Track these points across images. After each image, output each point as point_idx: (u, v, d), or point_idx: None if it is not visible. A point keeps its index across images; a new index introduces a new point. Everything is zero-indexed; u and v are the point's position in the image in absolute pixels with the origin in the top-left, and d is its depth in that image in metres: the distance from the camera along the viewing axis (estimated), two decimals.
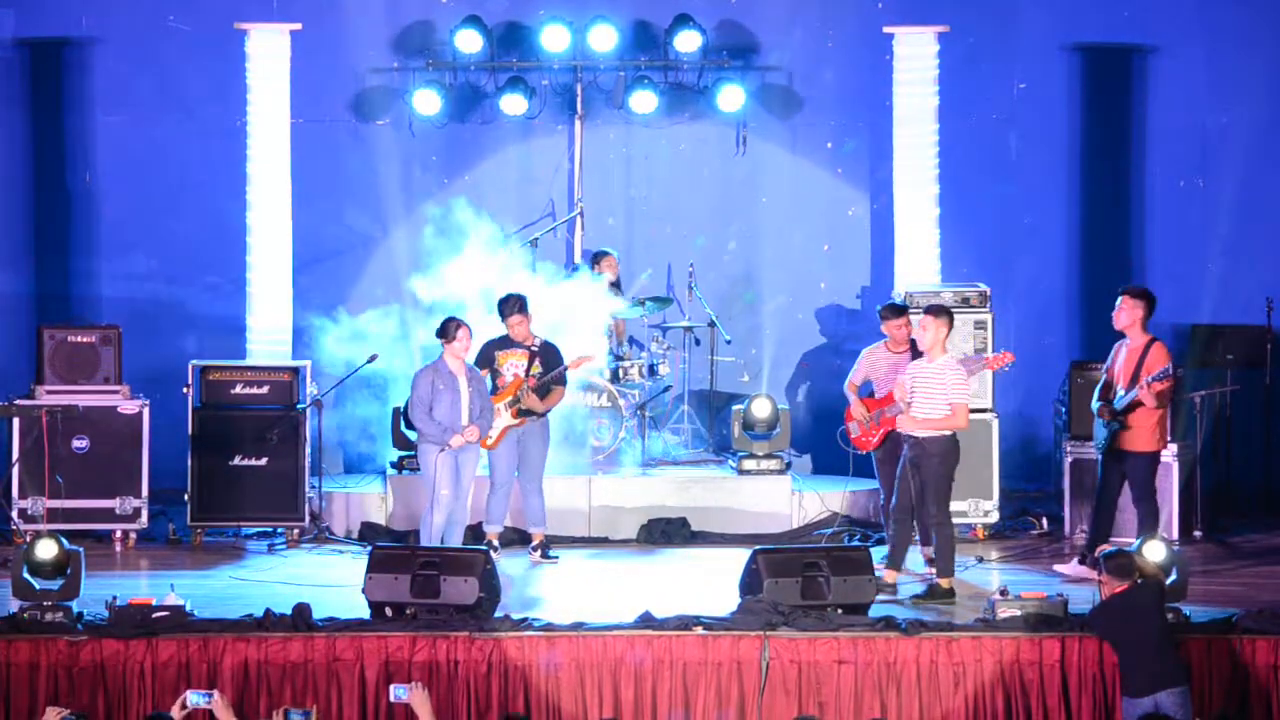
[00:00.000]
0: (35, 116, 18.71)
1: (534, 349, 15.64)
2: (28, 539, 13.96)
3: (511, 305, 15.59)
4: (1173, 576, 13.01)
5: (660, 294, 18.36)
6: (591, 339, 16.62)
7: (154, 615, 12.84)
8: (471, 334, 15.12)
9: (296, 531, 16.38)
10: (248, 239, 17.83)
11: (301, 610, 12.99)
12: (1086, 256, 19.02)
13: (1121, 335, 14.78)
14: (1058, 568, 15.11)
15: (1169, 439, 15.38)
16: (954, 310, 15.23)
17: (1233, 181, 18.92)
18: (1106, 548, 12.85)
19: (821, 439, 17.71)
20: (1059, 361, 17.66)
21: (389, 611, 13.15)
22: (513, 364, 15.60)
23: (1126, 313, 14.73)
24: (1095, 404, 14.85)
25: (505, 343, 15.64)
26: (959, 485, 14.58)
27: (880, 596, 13.62)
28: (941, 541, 14.29)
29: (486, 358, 15.53)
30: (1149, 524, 14.50)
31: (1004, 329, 17.55)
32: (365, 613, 13.19)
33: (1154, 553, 13.00)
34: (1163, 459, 15.26)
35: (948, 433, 14.20)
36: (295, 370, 16.63)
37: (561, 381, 15.68)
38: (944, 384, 14.21)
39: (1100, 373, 15.04)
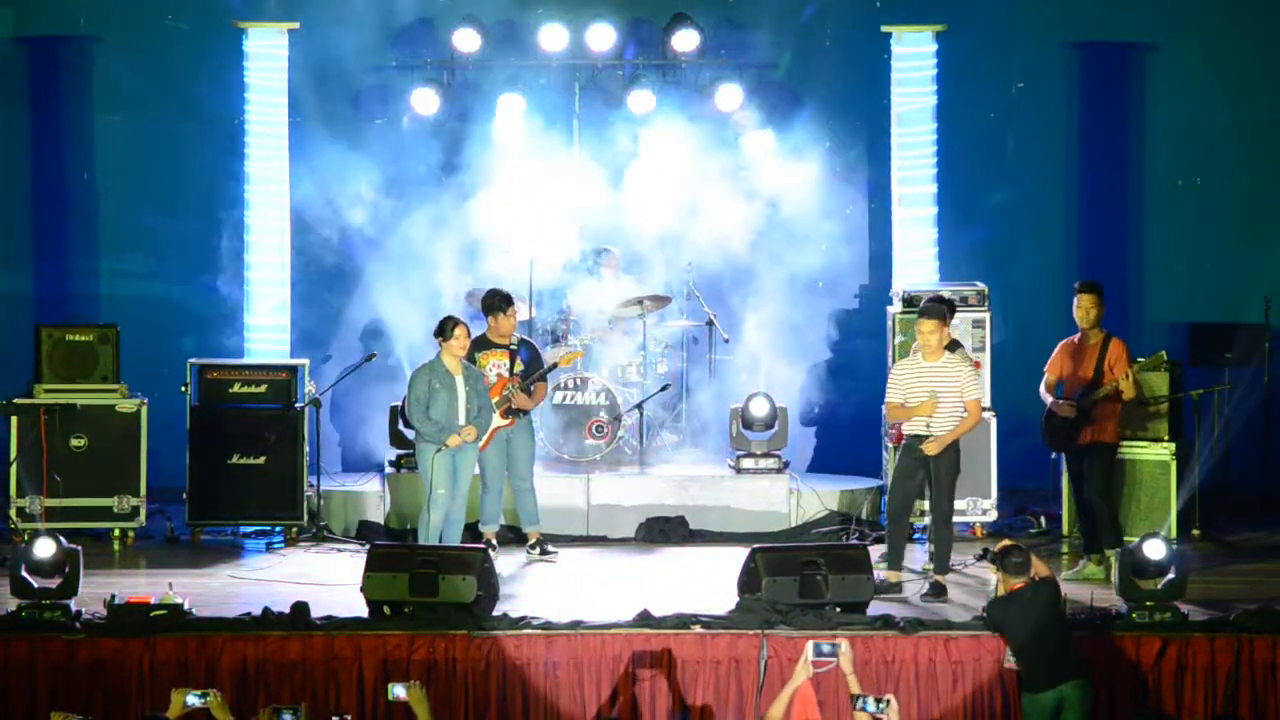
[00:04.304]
0: (34, 115, 18.73)
1: (513, 347, 15.64)
2: (26, 537, 13.98)
3: (503, 299, 15.58)
4: (1171, 574, 13.02)
5: (659, 292, 18.34)
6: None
7: (152, 614, 12.84)
8: (470, 333, 15.10)
9: (294, 530, 16.38)
10: (246, 237, 17.83)
11: (300, 609, 13.00)
12: (1085, 255, 19.02)
13: (1073, 330, 14.72)
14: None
15: (1168, 437, 15.38)
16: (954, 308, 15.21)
17: (1231, 179, 18.94)
18: (1005, 544, 12.69)
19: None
20: None
21: (387, 610, 13.15)
22: (495, 364, 15.58)
23: (1097, 310, 14.67)
24: (1059, 403, 14.66)
25: (484, 343, 15.60)
26: (958, 485, 14.49)
27: (886, 596, 13.66)
28: (948, 537, 14.27)
29: (469, 358, 15.49)
30: (1108, 525, 14.47)
31: (1002, 328, 17.53)
32: (363, 611, 13.18)
33: (1154, 551, 13.00)
34: (1161, 457, 15.22)
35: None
36: (293, 369, 16.62)
37: (545, 378, 15.70)
38: (956, 381, 14.18)
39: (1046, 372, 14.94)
